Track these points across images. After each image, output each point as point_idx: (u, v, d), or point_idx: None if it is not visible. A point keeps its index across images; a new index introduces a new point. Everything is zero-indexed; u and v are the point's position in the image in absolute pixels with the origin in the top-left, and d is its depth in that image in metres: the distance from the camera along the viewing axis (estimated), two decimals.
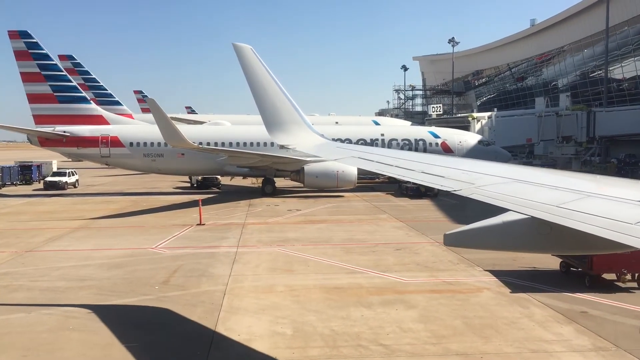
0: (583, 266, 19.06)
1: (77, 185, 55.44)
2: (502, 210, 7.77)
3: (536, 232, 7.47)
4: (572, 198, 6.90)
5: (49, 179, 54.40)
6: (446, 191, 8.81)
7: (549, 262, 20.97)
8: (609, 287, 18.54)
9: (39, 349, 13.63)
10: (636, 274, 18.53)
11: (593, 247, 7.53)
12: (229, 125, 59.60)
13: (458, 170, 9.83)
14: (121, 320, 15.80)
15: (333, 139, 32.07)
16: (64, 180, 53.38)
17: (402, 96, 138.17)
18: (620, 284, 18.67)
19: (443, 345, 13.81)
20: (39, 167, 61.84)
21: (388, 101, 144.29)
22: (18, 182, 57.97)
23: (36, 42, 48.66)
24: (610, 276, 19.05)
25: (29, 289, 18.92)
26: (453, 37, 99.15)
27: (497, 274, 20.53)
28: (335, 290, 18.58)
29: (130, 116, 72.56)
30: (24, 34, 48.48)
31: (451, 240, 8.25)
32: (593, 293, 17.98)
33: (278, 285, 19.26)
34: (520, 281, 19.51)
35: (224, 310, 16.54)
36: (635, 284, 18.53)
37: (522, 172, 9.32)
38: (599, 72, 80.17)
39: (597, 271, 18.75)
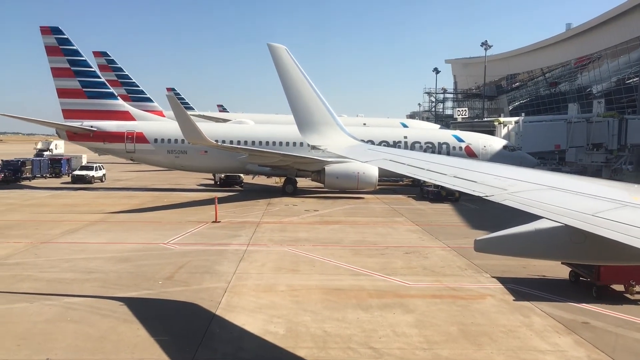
0: (591, 276, 18.59)
1: (104, 180, 56.41)
2: (526, 217, 7.60)
3: (570, 240, 7.35)
4: (608, 207, 6.77)
5: (76, 172, 55.52)
6: (469, 196, 8.65)
7: (560, 270, 20.56)
8: (617, 299, 18.05)
9: (33, 339, 13.84)
10: None
11: (629, 258, 7.34)
12: (252, 124, 59.87)
13: (491, 175, 9.63)
14: (118, 313, 15.94)
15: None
16: (91, 174, 54.40)
17: (433, 99, 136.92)
18: (628, 295, 18.16)
19: (434, 351, 13.62)
20: (68, 160, 63.11)
21: (419, 104, 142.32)
22: (48, 175, 59.27)
23: (67, 38, 49.64)
24: (620, 287, 18.58)
25: (35, 280, 19.29)
26: (486, 41, 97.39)
27: (504, 281, 20.19)
28: (336, 292, 18.50)
29: (161, 113, 73.22)
30: (55, 30, 49.52)
31: (481, 246, 8.17)
32: (599, 304, 17.54)
33: (280, 285, 19.25)
34: (526, 289, 19.13)
35: (221, 308, 16.60)
36: None
37: (556, 179, 9.12)
38: (635, 78, 78.15)
39: (605, 282, 18.26)
